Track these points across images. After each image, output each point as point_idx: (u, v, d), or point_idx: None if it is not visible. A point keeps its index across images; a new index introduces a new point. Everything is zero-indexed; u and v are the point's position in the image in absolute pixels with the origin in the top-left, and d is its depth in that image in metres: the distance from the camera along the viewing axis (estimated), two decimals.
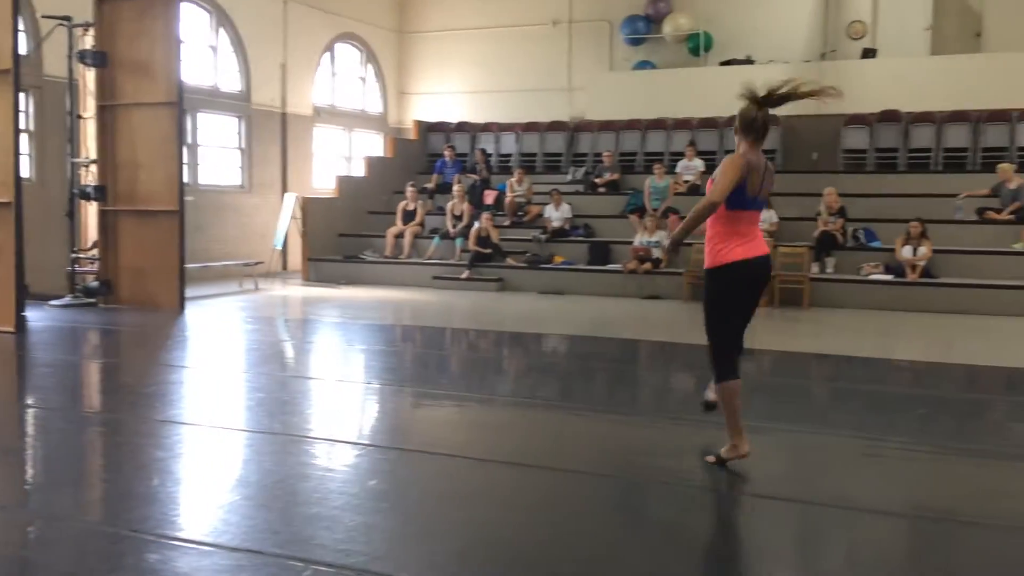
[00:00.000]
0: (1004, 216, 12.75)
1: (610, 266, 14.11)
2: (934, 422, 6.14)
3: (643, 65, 18.38)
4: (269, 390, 6.81)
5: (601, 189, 16.17)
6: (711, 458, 4.80)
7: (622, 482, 4.66)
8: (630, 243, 14.04)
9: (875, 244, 13.10)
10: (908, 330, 10.40)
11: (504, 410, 6.43)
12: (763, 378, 7.93)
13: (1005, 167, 13.02)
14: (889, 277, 12.25)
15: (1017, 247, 12.41)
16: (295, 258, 16.55)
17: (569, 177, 17.00)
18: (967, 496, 4.50)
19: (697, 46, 17.75)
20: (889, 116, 15.47)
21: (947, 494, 4.57)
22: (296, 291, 14.18)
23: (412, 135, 19.25)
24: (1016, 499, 4.49)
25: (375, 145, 20.10)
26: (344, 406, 6.42)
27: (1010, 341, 9.57)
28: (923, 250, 12.18)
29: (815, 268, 12.80)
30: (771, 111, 4.88)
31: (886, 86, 15.63)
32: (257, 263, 14.79)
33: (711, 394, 5.18)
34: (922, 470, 4.97)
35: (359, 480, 4.60)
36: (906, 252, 12.25)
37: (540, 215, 15.59)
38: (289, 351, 9.14)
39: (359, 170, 18.11)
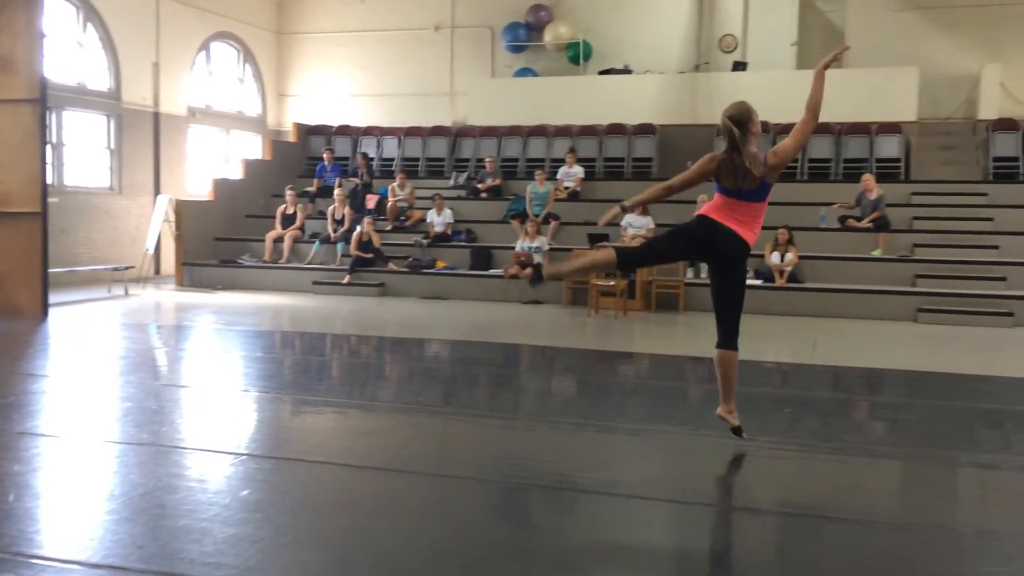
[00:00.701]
0: (864, 224, 13.40)
1: (492, 271, 14.18)
2: (800, 421, 6.40)
3: (524, 72, 18.57)
4: (137, 399, 6.56)
5: (483, 194, 16.25)
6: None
7: (502, 487, 4.68)
8: (512, 248, 14.15)
9: None
10: (776, 333, 10.81)
11: (385, 416, 6.38)
12: (641, 381, 8.12)
13: (868, 178, 13.69)
14: (759, 282, 12.70)
15: (875, 254, 13.07)
16: (168, 263, 16.04)
17: (451, 182, 17.02)
18: (829, 492, 4.70)
19: (577, 55, 18.05)
20: None
21: (811, 490, 4.77)
22: (169, 296, 13.72)
23: (292, 138, 18.92)
24: (872, 494, 4.72)
25: (253, 147, 19.67)
26: (218, 415, 6.24)
27: (870, 343, 10.06)
28: (790, 256, 12.69)
29: (690, 273, 13.17)
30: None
31: (756, 98, 15.97)
32: (127, 267, 14.27)
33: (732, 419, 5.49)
34: (789, 468, 5.17)
35: (231, 490, 4.48)
36: (774, 258, 12.73)
37: (422, 220, 15.55)
38: (160, 358, 8.83)
39: (236, 172, 17.68)
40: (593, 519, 4.20)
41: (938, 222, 13.55)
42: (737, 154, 5.18)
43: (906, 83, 15.57)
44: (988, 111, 15.60)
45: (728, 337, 5.43)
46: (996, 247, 12.81)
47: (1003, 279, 12.10)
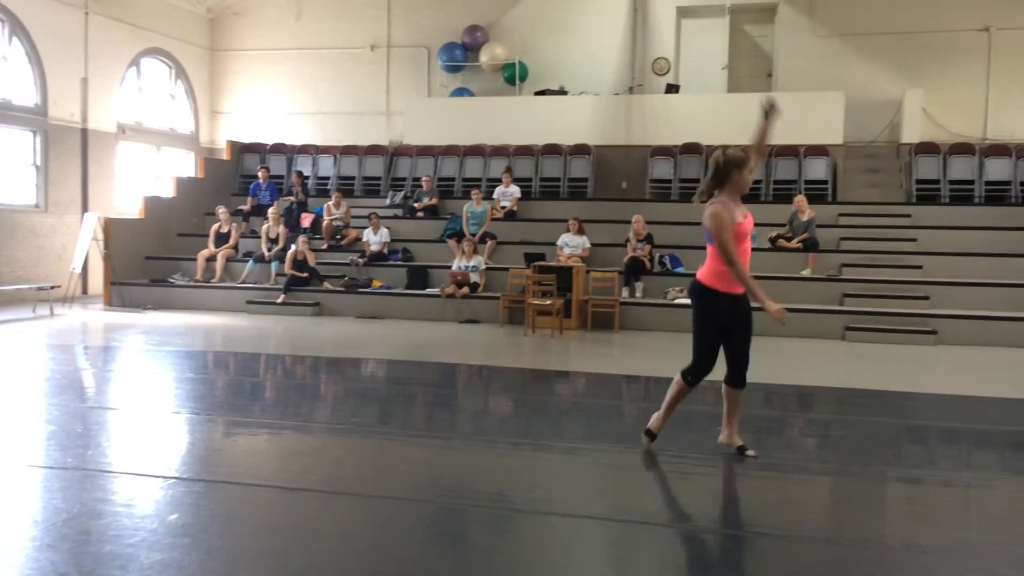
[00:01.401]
0: (794, 244, 13.69)
1: (428, 290, 14.14)
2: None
3: (460, 92, 18.62)
4: (62, 422, 6.37)
5: (420, 213, 16.21)
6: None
7: (438, 507, 4.66)
8: (448, 267, 14.13)
9: (680, 269, 13.76)
10: None
11: (319, 437, 6.30)
12: (577, 400, 8.15)
13: (800, 199, 13.98)
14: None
15: (805, 273, 13.36)
16: (96, 282, 15.66)
17: (388, 201, 16.96)
18: (762, 508, 4.77)
19: (513, 76, 18.16)
20: (691, 148, 16.33)
21: (745, 506, 4.84)
22: (97, 316, 13.38)
23: (225, 155, 18.67)
24: (803, 509, 4.81)
25: (186, 165, 19.35)
26: (146, 438, 6.10)
27: (800, 361, 10.25)
28: None
29: (625, 292, 13.30)
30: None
31: (688, 120, 16.52)
32: (53, 287, 13.88)
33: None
34: (722, 484, 5.24)
35: (159, 515, 4.37)
36: None
37: (358, 239, 15.45)
38: (87, 380, 8.60)
39: (168, 190, 17.36)
40: (529, 538, 4.20)
41: (864, 242, 13.92)
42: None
43: (833, 107, 15.99)
44: (911, 135, 16.10)
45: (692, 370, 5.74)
46: (920, 267, 13.18)
47: (926, 298, 12.45)
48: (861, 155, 16.50)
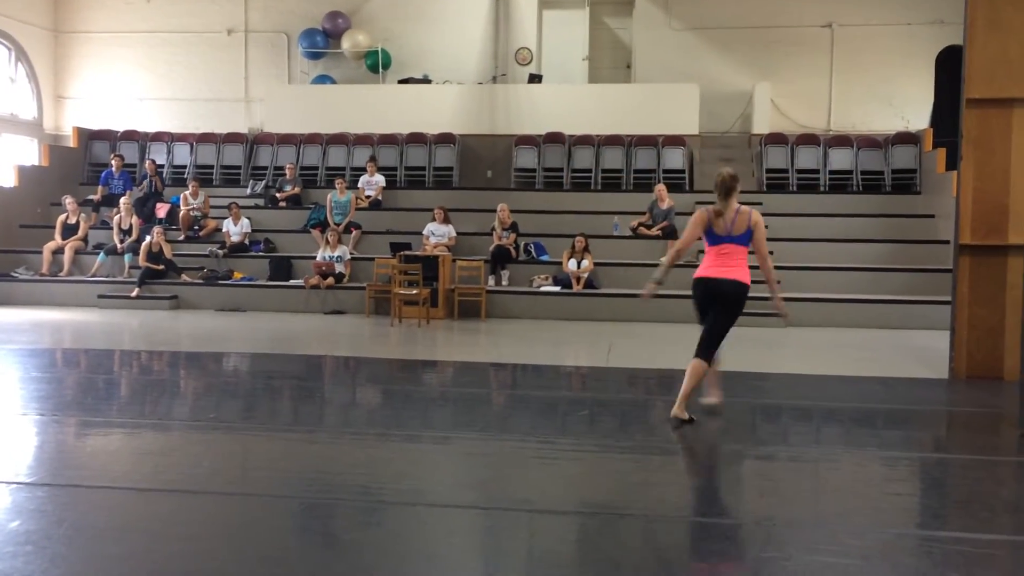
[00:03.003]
0: (654, 232, 14.08)
1: (292, 281, 13.87)
2: (596, 422, 6.64)
3: (322, 79, 18.29)
4: None
5: (282, 203, 15.87)
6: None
7: (303, 503, 4.58)
8: (312, 258, 13.89)
9: (544, 257, 13.95)
10: (574, 338, 11.17)
11: (175, 435, 6.08)
12: (445, 389, 8.17)
13: (660, 188, 14.38)
14: (557, 288, 13.09)
15: (664, 260, 13.75)
16: None
17: (248, 190, 16.52)
18: (624, 489, 4.91)
19: (376, 63, 17.96)
20: (554, 138, 16.57)
21: (607, 488, 4.96)
22: None
23: (72, 143, 17.76)
24: (663, 489, 4.96)
25: (28, 152, 18.29)
26: None
27: (660, 345, 10.57)
28: (586, 263, 13.15)
29: (491, 281, 13.39)
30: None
31: (551, 110, 16.75)
32: None
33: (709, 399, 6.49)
34: (586, 468, 5.35)
35: None
36: (572, 265, 13.16)
37: (218, 229, 15.00)
38: None
39: (9, 180, 16.38)
40: (396, 531, 4.18)
41: None
42: (724, 205, 6.25)
43: (688, 99, 16.51)
44: (761, 126, 16.80)
45: (707, 351, 6.34)
46: (771, 252, 13.71)
47: (778, 282, 12.98)
48: (716, 145, 17.10)
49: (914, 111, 16.77)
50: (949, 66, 15.71)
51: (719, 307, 6.28)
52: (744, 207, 6.35)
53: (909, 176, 15.63)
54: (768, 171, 16.13)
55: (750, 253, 6.41)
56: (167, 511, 4.40)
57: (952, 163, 11.46)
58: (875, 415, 6.95)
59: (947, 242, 12.56)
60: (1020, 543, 4.16)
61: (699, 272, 6.34)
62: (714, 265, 6.28)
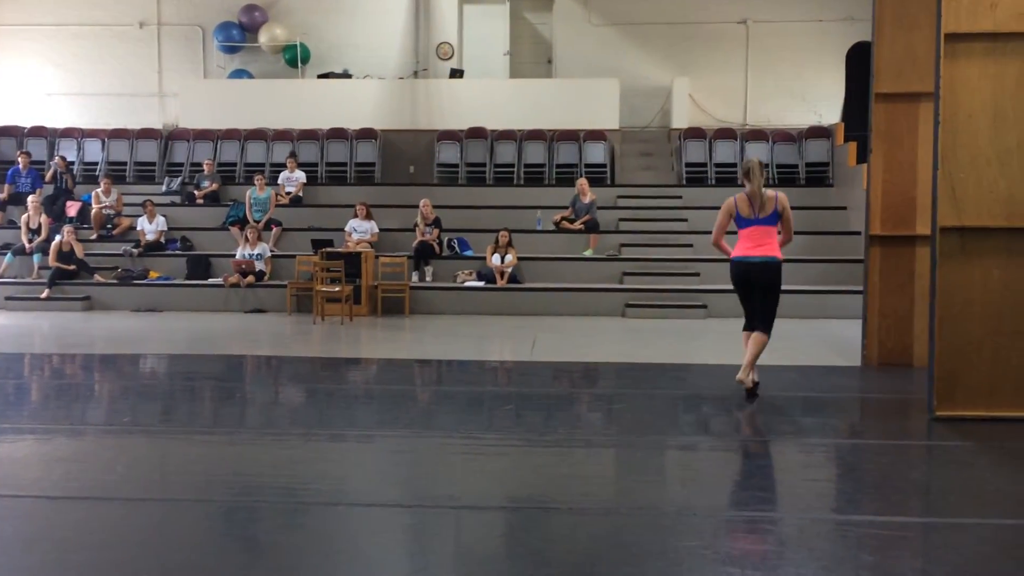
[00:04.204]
0: (577, 226, 14.19)
1: (211, 280, 13.59)
2: (521, 417, 6.66)
3: (239, 74, 17.96)
4: None
5: (200, 200, 15.54)
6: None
7: (224, 506, 4.50)
8: (232, 256, 13.64)
9: (468, 253, 13.94)
10: (499, 332, 11.19)
11: (88, 440, 5.92)
12: (369, 386, 8.10)
13: (582, 182, 14.49)
14: (481, 284, 13.09)
15: (587, 254, 13.89)
16: None
17: (164, 188, 16.14)
18: (548, 483, 4.94)
19: (294, 57, 17.71)
20: (477, 133, 16.56)
21: (532, 483, 4.98)
22: None
23: None
24: (587, 482, 5.01)
25: None
26: None
27: (584, 338, 10.66)
28: (509, 258, 13.18)
29: (415, 277, 13.33)
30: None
31: (473, 105, 16.74)
32: None
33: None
34: (511, 463, 5.37)
35: None
36: (495, 260, 13.18)
37: (132, 228, 14.63)
38: None
39: None
40: (320, 531, 4.14)
41: (641, 223, 14.64)
42: (751, 188, 6.84)
43: (608, 93, 16.67)
44: (680, 120, 17.07)
45: (765, 326, 6.97)
46: (691, 245, 14.01)
47: (697, 275, 13.26)
48: (636, 139, 17.31)
49: (826, 106, 17.21)
50: (859, 62, 16.17)
51: (759, 287, 6.91)
52: (769, 191, 6.93)
53: (822, 169, 16.05)
54: (687, 165, 16.39)
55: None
56: (79, 519, 4.27)
57: (863, 156, 11.82)
58: (792, 403, 7.12)
59: (859, 233, 12.93)
60: (930, 525, 4.31)
61: (734, 253, 6.96)
62: (747, 246, 6.89)
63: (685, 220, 14.70)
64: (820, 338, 10.58)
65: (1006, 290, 6.21)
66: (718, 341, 10.53)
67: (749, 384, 6.97)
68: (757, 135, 16.56)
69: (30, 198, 14.50)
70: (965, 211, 6.24)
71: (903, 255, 8.44)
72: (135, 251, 14.06)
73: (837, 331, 11.06)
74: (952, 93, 6.26)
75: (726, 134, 16.62)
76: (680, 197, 15.53)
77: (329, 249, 12.98)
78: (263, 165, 16.43)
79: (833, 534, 4.14)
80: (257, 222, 14.36)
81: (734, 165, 16.32)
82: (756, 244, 6.87)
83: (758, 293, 6.94)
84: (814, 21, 17.37)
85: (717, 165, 16.39)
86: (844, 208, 14.85)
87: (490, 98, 16.89)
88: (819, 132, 16.24)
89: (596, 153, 16.38)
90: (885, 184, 8.39)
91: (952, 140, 6.25)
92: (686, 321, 11.99)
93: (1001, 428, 5.97)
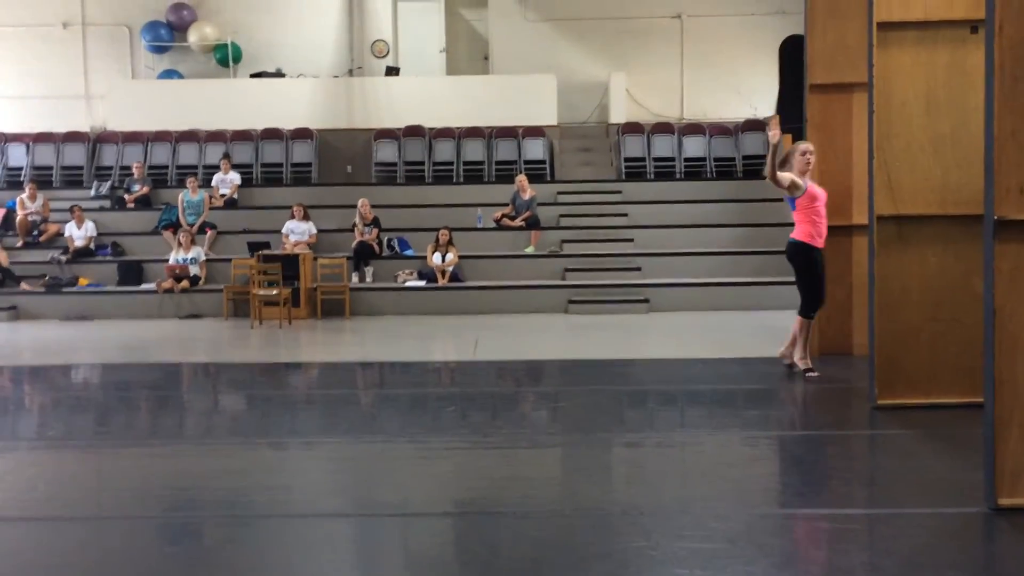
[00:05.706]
0: (517, 223, 14.12)
1: (143, 286, 13.24)
2: (465, 418, 6.56)
3: (169, 74, 17.54)
4: None
5: (131, 204, 15.13)
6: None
7: (161, 521, 4.33)
8: (165, 261, 13.30)
9: (409, 252, 13.79)
10: (441, 332, 11.07)
11: (8, 457, 5.66)
12: (309, 392, 7.93)
13: (521, 179, 14.42)
14: (422, 283, 12.95)
15: (528, 251, 13.83)
16: None
17: (93, 192, 15.67)
18: (491, 486, 4.84)
19: (226, 57, 17.34)
20: (414, 131, 16.39)
21: (475, 486, 4.88)
22: None
23: None
24: (531, 484, 4.93)
25: None
26: None
27: (527, 336, 10.59)
28: (450, 256, 13.06)
29: (355, 278, 13.14)
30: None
31: (410, 103, 16.57)
32: None
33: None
34: (454, 466, 5.27)
35: None
36: (436, 259, 13.04)
37: (60, 234, 14.19)
38: None
39: None
40: (262, 545, 4.00)
41: (581, 219, 14.61)
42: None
43: (546, 90, 16.62)
44: (618, 115, 17.09)
45: (805, 310, 7.45)
46: (631, 240, 14.04)
47: (638, 269, 13.28)
48: (575, 135, 17.29)
49: (761, 98, 17.38)
50: (791, 55, 16.36)
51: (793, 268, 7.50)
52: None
53: (759, 161, 16.18)
54: (626, 159, 16.41)
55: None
56: (10, 541, 4.07)
57: None
58: (735, 396, 7.13)
59: None
60: (875, 516, 4.32)
61: None
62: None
63: (625, 215, 14.71)
64: (761, 329, 10.64)
65: (942, 277, 6.27)
66: (661, 335, 10.56)
67: (790, 362, 7.62)
68: (694, 129, 16.65)
69: None
70: (901, 199, 6.30)
71: (841, 245, 8.50)
72: (63, 258, 13.64)
73: (778, 322, 11.13)
74: (885, 82, 6.31)
75: (664, 128, 16.68)
76: (620, 192, 15.54)
77: (266, 252, 12.72)
78: (196, 167, 16.05)
79: (781, 529, 4.13)
80: (191, 226, 14.03)
81: (672, 159, 16.39)
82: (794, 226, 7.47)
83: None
84: (747, 15, 17.53)
85: (656, 159, 16.44)
86: (781, 200, 14.97)
87: (427, 96, 16.74)
88: (755, 125, 16.39)
89: (535, 149, 16.32)
90: (821, 175, 8.44)
91: (887, 129, 6.29)
92: (629, 316, 12.00)
93: (941, 415, 6.03)
